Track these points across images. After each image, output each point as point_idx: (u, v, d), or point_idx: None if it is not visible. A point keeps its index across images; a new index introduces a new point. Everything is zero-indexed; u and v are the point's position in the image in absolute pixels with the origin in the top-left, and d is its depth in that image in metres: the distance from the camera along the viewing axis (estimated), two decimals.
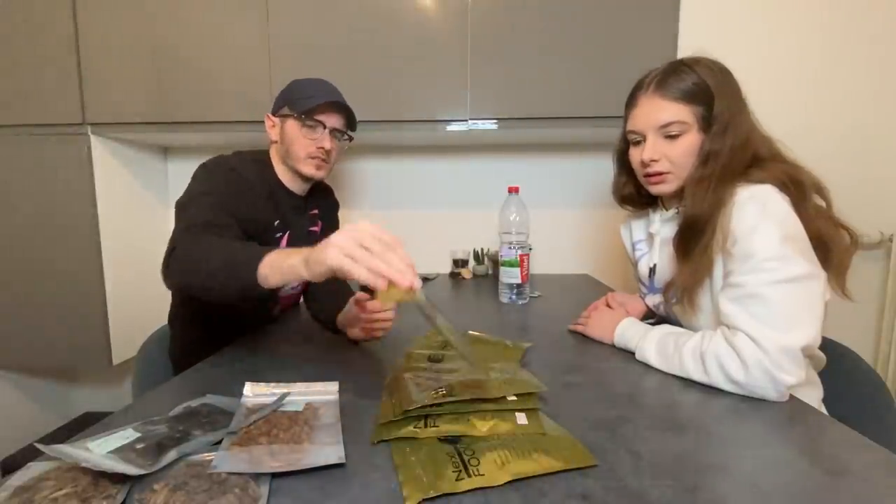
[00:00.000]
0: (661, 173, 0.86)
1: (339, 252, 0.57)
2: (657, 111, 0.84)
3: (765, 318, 0.69)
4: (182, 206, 0.92)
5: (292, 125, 1.09)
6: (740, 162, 0.79)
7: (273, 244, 1.08)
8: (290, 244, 1.11)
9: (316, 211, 1.27)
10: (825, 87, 1.72)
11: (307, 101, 1.08)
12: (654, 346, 0.81)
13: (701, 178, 0.80)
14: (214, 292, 0.74)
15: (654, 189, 0.90)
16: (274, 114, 1.13)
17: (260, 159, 1.12)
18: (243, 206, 0.98)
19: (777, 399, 0.68)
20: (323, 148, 1.10)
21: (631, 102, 0.90)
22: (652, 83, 0.85)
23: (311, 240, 1.19)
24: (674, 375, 0.77)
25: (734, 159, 0.79)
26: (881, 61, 1.70)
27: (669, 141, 0.84)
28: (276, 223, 1.10)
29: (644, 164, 0.88)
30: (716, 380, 0.71)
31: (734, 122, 0.79)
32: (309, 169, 1.11)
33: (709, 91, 0.80)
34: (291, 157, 1.11)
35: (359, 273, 0.55)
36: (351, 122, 1.16)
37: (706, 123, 0.81)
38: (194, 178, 0.99)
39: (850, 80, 1.71)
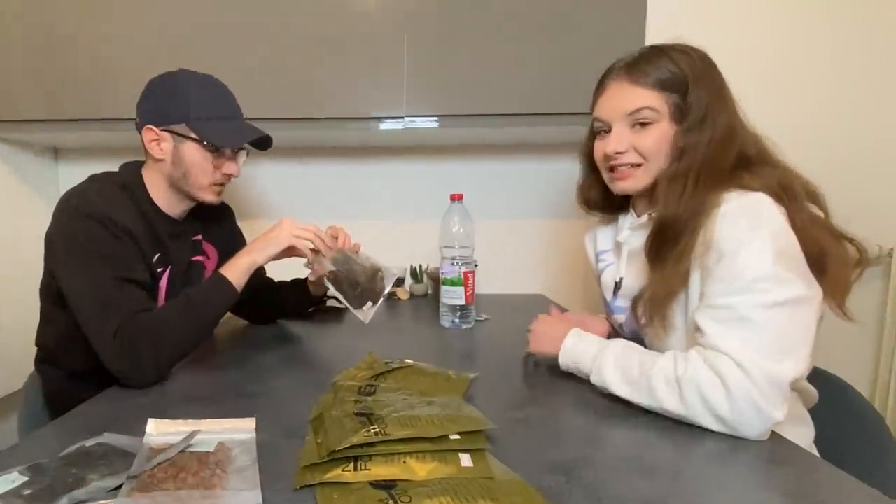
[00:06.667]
0: (627, 166, 0.90)
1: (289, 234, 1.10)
2: (626, 97, 0.87)
3: (754, 344, 0.69)
4: (81, 293, 0.93)
5: (195, 151, 1.06)
6: (723, 160, 0.82)
7: (155, 283, 1.09)
8: (172, 280, 1.12)
9: (199, 236, 1.24)
10: (813, 88, 1.77)
11: (220, 126, 1.06)
12: (613, 366, 0.82)
13: (675, 175, 0.83)
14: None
15: (619, 185, 0.93)
16: (160, 126, 1.05)
17: (127, 185, 1.07)
18: (128, 255, 0.99)
19: (759, 437, 0.69)
20: (230, 175, 1.12)
21: (598, 89, 0.94)
22: (622, 68, 0.89)
23: (194, 272, 1.21)
24: (640, 406, 0.77)
25: (715, 156, 0.82)
26: (879, 61, 1.74)
27: (638, 130, 0.87)
28: (156, 258, 1.07)
29: (609, 158, 0.91)
30: (695, 412, 0.71)
31: (713, 113, 0.83)
32: (211, 197, 1.12)
33: (684, 78, 0.84)
34: (189, 184, 1.09)
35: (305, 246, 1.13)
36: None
37: (680, 113, 0.84)
38: (68, 236, 0.97)
39: (843, 80, 1.76)
